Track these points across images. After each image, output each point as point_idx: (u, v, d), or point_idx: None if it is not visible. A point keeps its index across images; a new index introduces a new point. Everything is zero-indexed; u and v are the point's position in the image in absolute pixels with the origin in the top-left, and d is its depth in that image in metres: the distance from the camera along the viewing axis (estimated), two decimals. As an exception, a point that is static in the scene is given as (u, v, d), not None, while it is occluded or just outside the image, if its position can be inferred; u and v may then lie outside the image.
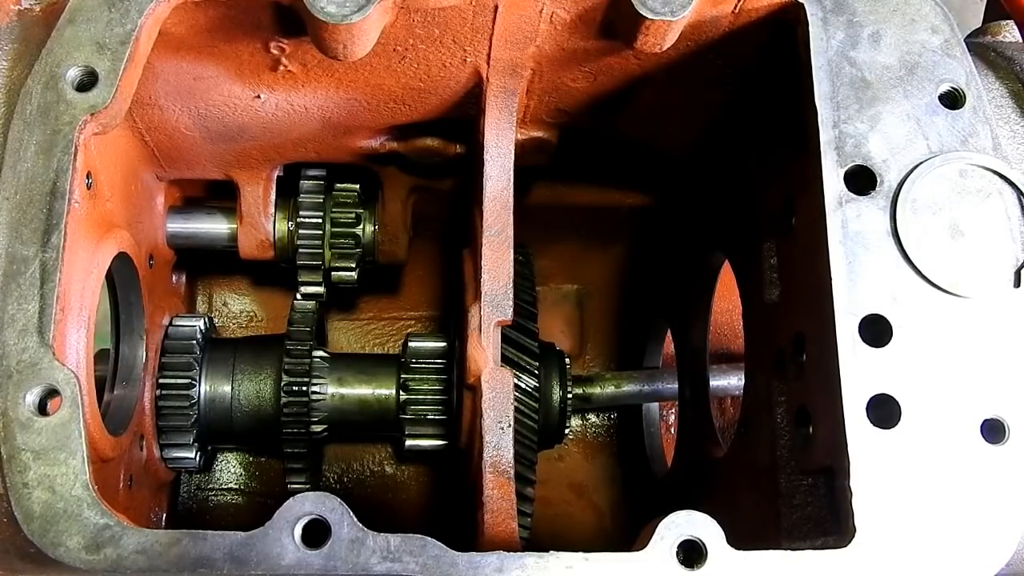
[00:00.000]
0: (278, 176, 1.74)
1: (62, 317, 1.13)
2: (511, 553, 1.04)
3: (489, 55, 1.37)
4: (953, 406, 1.11)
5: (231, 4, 1.20)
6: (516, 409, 1.38)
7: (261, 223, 1.74)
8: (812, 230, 1.18)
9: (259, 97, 1.46)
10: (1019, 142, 1.33)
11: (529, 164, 1.62)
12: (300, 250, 1.77)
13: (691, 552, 1.04)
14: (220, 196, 1.80)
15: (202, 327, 1.70)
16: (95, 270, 1.28)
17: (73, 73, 1.16)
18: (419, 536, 1.04)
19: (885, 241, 1.15)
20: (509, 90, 1.42)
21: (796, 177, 1.29)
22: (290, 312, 1.78)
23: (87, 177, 1.23)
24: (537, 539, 1.76)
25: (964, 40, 1.24)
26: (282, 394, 1.69)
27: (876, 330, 1.12)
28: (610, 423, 2.24)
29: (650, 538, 1.04)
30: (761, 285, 1.44)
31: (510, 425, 1.29)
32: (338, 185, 1.79)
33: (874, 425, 1.09)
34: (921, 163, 1.17)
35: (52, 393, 1.08)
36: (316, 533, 1.04)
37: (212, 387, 1.70)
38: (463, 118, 1.52)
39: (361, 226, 1.80)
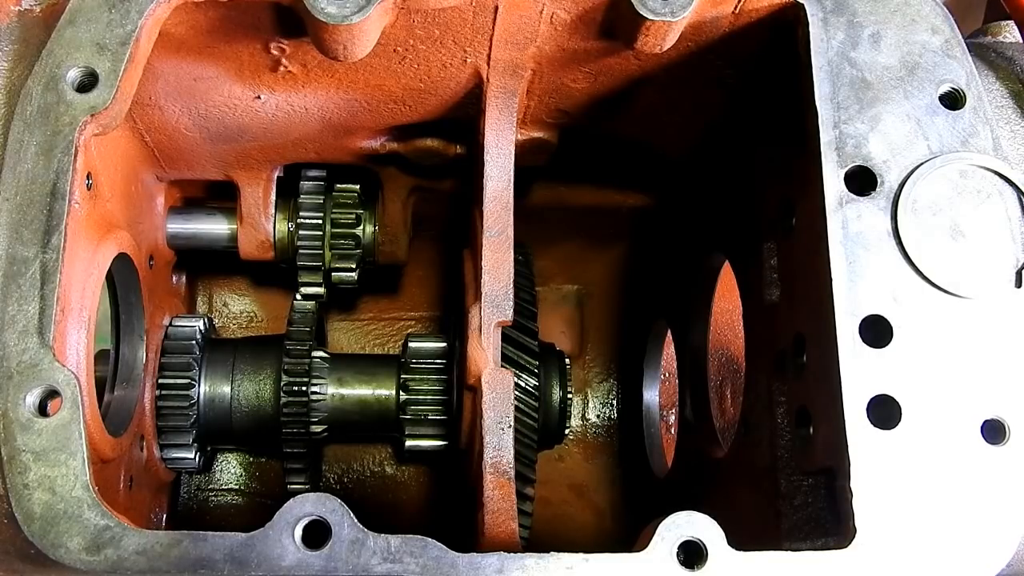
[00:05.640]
0: (278, 177, 1.74)
1: (62, 318, 1.13)
2: (511, 554, 1.04)
3: (489, 55, 1.37)
4: (953, 407, 1.11)
5: (231, 5, 1.20)
6: (516, 408, 1.38)
7: (261, 224, 1.74)
8: (812, 231, 1.18)
9: (259, 98, 1.46)
10: (1019, 142, 1.33)
11: (529, 164, 1.62)
12: (300, 251, 1.77)
13: (691, 553, 1.04)
14: (220, 197, 1.80)
15: (202, 327, 1.70)
16: (95, 271, 1.28)
17: (73, 74, 1.16)
18: (419, 537, 1.04)
19: (886, 242, 1.15)
20: (509, 90, 1.42)
21: (796, 178, 1.29)
22: (290, 312, 1.78)
23: (87, 178, 1.23)
24: (537, 539, 1.76)
25: (964, 40, 1.24)
26: (282, 394, 1.69)
27: (876, 331, 1.12)
28: (610, 423, 2.24)
29: (650, 539, 1.04)
30: (761, 285, 1.44)
31: (510, 426, 1.29)
32: (338, 186, 1.79)
33: (874, 426, 1.09)
34: (922, 164, 1.17)
35: (52, 394, 1.08)
36: (316, 534, 1.04)
37: (212, 387, 1.70)
38: (463, 118, 1.52)
39: (361, 227, 1.80)
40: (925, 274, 1.14)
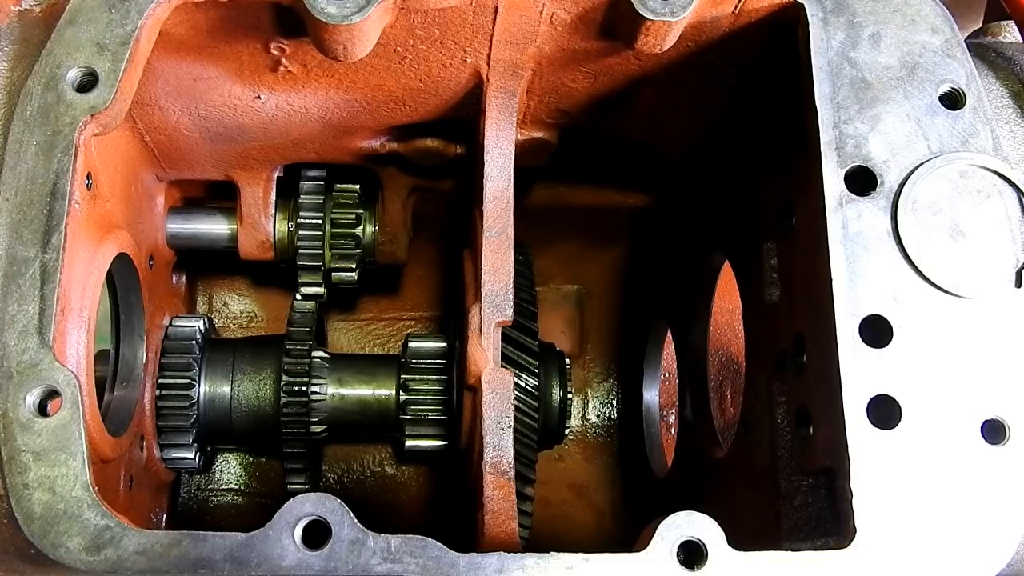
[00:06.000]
0: (278, 177, 1.74)
1: (62, 318, 1.13)
2: (512, 554, 1.04)
3: (489, 55, 1.37)
4: (953, 407, 1.11)
5: (231, 5, 1.20)
6: (516, 408, 1.38)
7: (261, 224, 1.74)
8: (813, 231, 1.18)
9: (259, 98, 1.46)
10: (1019, 142, 1.33)
11: (529, 164, 1.62)
12: (300, 251, 1.77)
13: (691, 553, 1.04)
14: (220, 197, 1.80)
15: (202, 327, 1.70)
16: (95, 271, 1.28)
17: (73, 74, 1.16)
18: (419, 537, 1.04)
19: (886, 242, 1.15)
20: (509, 90, 1.42)
21: (796, 178, 1.29)
22: (290, 312, 1.78)
23: (87, 178, 1.23)
24: (537, 539, 1.76)
25: (964, 41, 1.24)
26: (282, 394, 1.69)
27: (876, 331, 1.12)
28: (610, 423, 2.24)
29: (650, 539, 1.04)
30: (761, 285, 1.44)
31: (510, 426, 1.29)
32: (338, 186, 1.79)
33: (874, 426, 1.09)
34: (922, 164, 1.17)
35: (52, 394, 1.08)
36: (316, 534, 1.04)
37: (212, 387, 1.70)
38: (463, 118, 1.52)
39: (361, 227, 1.80)
40: (925, 274, 1.14)
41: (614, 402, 2.25)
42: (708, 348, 1.91)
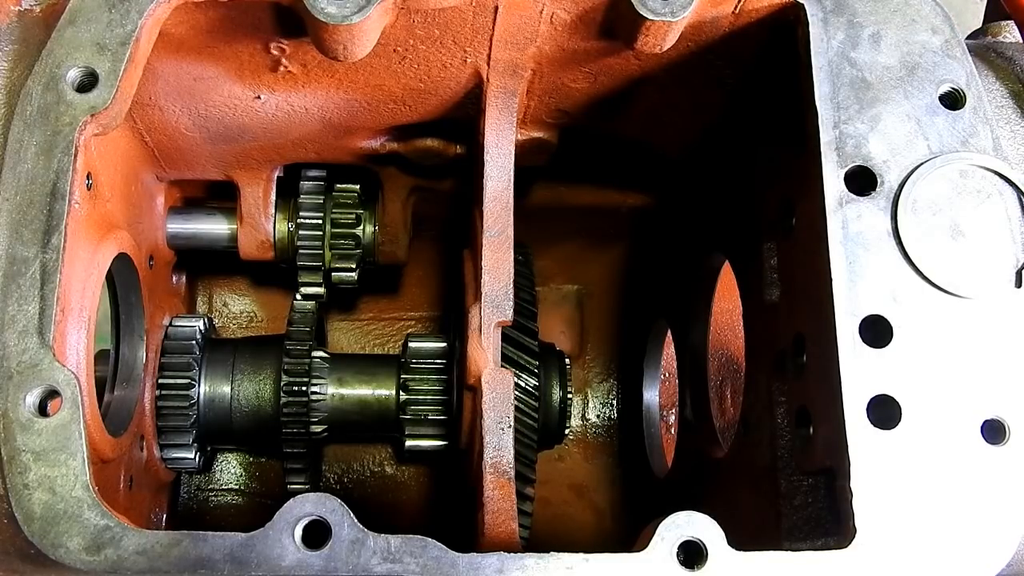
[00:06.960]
0: (278, 177, 1.74)
1: (62, 318, 1.13)
2: (511, 554, 1.04)
3: (489, 56, 1.37)
4: (953, 407, 1.11)
5: (231, 5, 1.20)
6: (516, 408, 1.38)
7: (261, 224, 1.74)
8: (812, 231, 1.18)
9: (259, 98, 1.46)
10: (1019, 142, 1.33)
11: (529, 164, 1.62)
12: (300, 251, 1.77)
13: (691, 553, 1.04)
14: (220, 197, 1.80)
15: (202, 327, 1.70)
16: (95, 271, 1.28)
17: (73, 74, 1.16)
18: (419, 537, 1.04)
19: (886, 242, 1.15)
20: (509, 90, 1.42)
21: (796, 178, 1.29)
22: (290, 312, 1.78)
23: (87, 178, 1.23)
24: (537, 539, 1.76)
25: (964, 41, 1.24)
26: (282, 394, 1.69)
27: (876, 330, 1.12)
28: (610, 423, 2.24)
29: (650, 539, 1.04)
30: (761, 285, 1.44)
31: (510, 426, 1.29)
32: (338, 186, 1.79)
33: (874, 426, 1.09)
34: (922, 164, 1.17)
35: (52, 394, 1.08)
36: (316, 534, 1.04)
37: (212, 387, 1.70)
38: (463, 118, 1.52)
39: (361, 227, 1.80)
40: (925, 274, 1.14)
41: (614, 402, 2.25)
42: (708, 348, 1.91)
